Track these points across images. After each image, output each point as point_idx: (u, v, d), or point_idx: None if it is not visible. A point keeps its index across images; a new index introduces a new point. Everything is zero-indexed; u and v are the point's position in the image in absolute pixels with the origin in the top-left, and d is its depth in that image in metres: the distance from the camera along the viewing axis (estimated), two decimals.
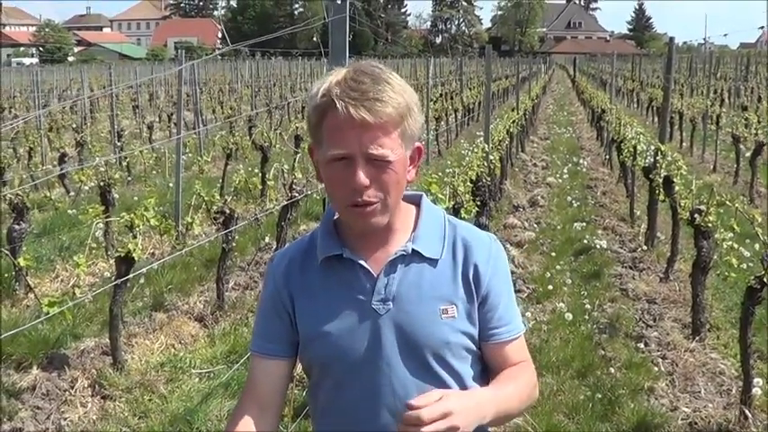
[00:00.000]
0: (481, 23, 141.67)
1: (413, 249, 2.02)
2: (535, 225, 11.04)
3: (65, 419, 5.41)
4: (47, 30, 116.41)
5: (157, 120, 23.71)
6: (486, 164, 8.58)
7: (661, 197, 8.34)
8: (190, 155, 16.33)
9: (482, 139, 9.49)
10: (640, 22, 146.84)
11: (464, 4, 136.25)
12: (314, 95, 1.93)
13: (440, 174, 8.20)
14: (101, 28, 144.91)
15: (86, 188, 12.03)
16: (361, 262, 2.01)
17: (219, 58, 49.82)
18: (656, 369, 6.11)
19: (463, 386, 2.02)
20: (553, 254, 9.31)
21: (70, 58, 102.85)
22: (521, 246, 9.75)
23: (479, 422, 1.87)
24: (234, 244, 7.52)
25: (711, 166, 16.05)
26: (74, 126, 19.40)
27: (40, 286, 7.86)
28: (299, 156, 8.31)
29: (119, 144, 16.18)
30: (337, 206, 2.00)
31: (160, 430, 5.28)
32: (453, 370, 2.02)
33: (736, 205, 5.91)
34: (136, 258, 5.86)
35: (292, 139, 15.00)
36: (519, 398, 2.06)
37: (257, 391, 2.10)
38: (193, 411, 5.41)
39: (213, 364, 6.31)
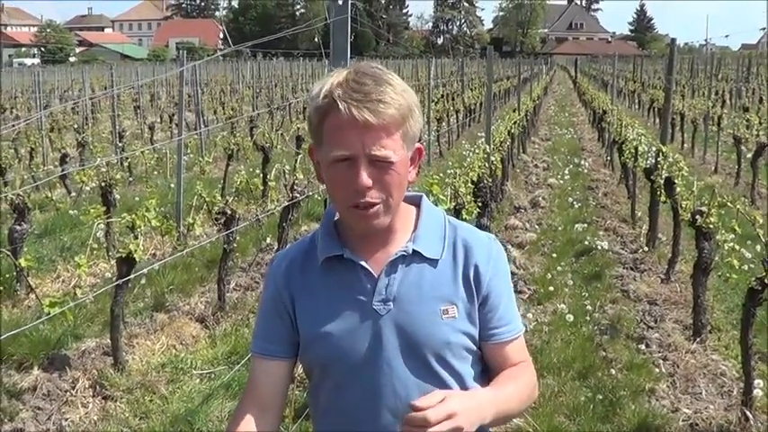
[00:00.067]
0: (483, 24, 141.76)
1: (413, 250, 2.02)
2: (536, 226, 11.04)
3: (66, 420, 5.41)
4: (48, 30, 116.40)
5: (159, 120, 23.72)
6: (487, 165, 8.58)
7: (662, 198, 8.34)
8: (191, 155, 16.33)
9: (483, 139, 9.49)
10: (642, 23, 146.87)
11: (466, 4, 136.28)
12: (315, 96, 1.93)
13: (441, 175, 8.21)
14: (102, 28, 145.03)
15: (88, 189, 12.05)
16: (362, 263, 2.02)
17: (221, 58, 49.84)
18: (657, 370, 6.10)
19: (464, 386, 2.03)
20: (554, 255, 9.30)
21: (72, 59, 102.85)
22: (522, 247, 9.74)
23: (480, 422, 1.87)
24: (235, 245, 7.52)
25: (713, 168, 16.04)
26: (75, 126, 19.41)
27: (41, 287, 7.87)
28: (300, 156, 8.30)
29: (120, 145, 16.18)
30: (339, 207, 2.01)
31: (161, 431, 5.29)
32: (454, 370, 2.02)
33: (738, 206, 5.91)
34: (137, 259, 5.86)
35: (294, 140, 15.00)
36: (519, 398, 2.06)
37: (258, 392, 2.11)
38: (194, 412, 5.41)
39: (214, 365, 6.31)
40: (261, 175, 11.54)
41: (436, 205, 2.28)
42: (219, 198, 7.81)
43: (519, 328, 2.12)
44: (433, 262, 2.03)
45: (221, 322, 7.20)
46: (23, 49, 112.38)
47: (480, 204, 7.32)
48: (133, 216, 6.21)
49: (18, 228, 7.73)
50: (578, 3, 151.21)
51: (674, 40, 9.60)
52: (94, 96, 26.92)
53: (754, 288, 5.00)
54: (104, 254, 8.83)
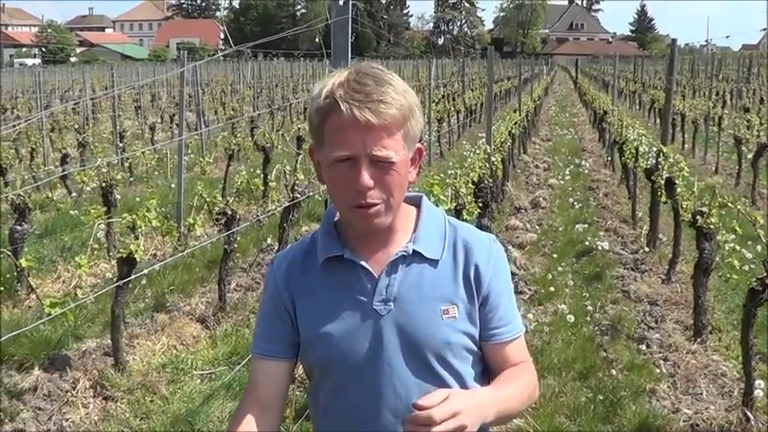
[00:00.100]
0: (483, 25, 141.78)
1: (414, 250, 2.02)
2: (537, 227, 11.04)
3: (66, 420, 5.41)
4: (49, 30, 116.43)
5: (159, 121, 23.72)
6: (487, 165, 8.57)
7: (663, 199, 8.34)
8: (192, 156, 16.33)
9: (484, 140, 9.48)
10: (642, 24, 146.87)
11: (466, 5, 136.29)
12: (316, 97, 1.93)
13: (442, 175, 8.20)
14: (103, 29, 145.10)
15: (88, 189, 12.04)
16: (363, 263, 2.02)
17: (222, 59, 49.84)
18: (657, 371, 6.10)
19: (464, 386, 2.03)
20: (555, 255, 9.30)
21: (72, 59, 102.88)
22: (522, 247, 9.74)
23: (482, 421, 1.88)
24: (236, 245, 7.52)
25: (713, 168, 16.04)
26: (76, 127, 19.40)
27: (41, 287, 7.87)
28: (300, 157, 8.29)
29: (121, 145, 16.19)
30: (340, 207, 2.01)
31: (161, 431, 5.29)
32: (454, 370, 2.02)
33: (738, 207, 5.90)
34: (138, 259, 5.86)
35: (294, 141, 15.00)
36: (519, 398, 2.07)
37: (259, 393, 2.11)
38: (195, 412, 5.42)
39: (215, 366, 6.31)
40: (261, 175, 11.55)
41: (437, 206, 2.28)
42: (220, 198, 7.81)
43: (519, 329, 2.12)
44: (434, 262, 2.04)
45: (222, 323, 7.20)
46: (24, 49, 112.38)
47: (481, 205, 7.32)
48: (134, 216, 6.21)
49: (19, 228, 7.73)
50: (579, 3, 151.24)
51: (674, 40, 9.60)
52: (95, 97, 26.93)
53: (755, 288, 4.99)
54: (105, 254, 8.84)
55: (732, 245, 5.93)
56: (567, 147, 20.11)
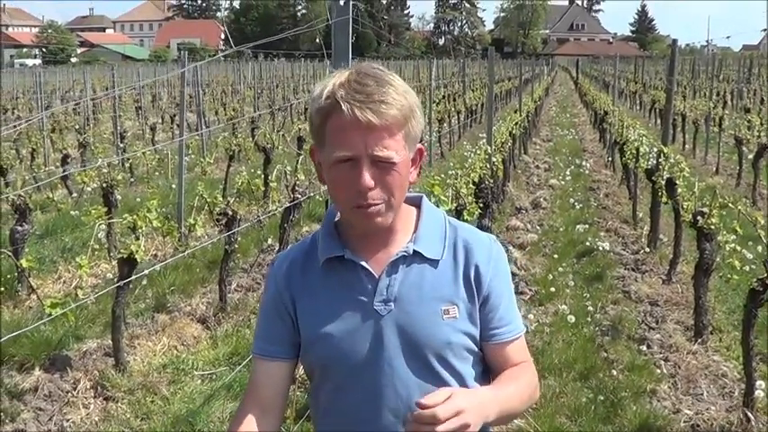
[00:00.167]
0: (484, 25, 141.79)
1: (414, 250, 2.03)
2: (538, 227, 11.04)
3: (67, 421, 5.42)
4: (50, 31, 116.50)
5: (160, 121, 23.72)
6: (488, 166, 8.57)
7: (664, 199, 8.34)
8: (192, 156, 16.33)
9: (485, 140, 9.48)
10: (643, 24, 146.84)
11: (467, 5, 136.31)
12: (317, 97, 1.93)
13: (442, 176, 8.20)
14: (104, 29, 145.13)
15: (89, 189, 12.04)
16: (363, 263, 2.02)
17: (222, 59, 49.87)
18: (658, 371, 6.10)
19: (465, 386, 2.03)
20: (555, 256, 9.30)
21: (73, 60, 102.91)
22: (523, 248, 9.74)
23: (484, 420, 1.87)
24: (236, 245, 7.52)
25: (714, 169, 16.04)
26: (76, 127, 19.42)
27: (42, 287, 7.87)
28: (301, 157, 8.30)
29: (121, 145, 16.19)
30: (341, 208, 2.01)
31: None
32: (455, 370, 2.02)
33: (739, 207, 5.90)
34: (138, 260, 5.86)
35: (295, 141, 15.00)
36: (520, 398, 2.07)
37: (259, 394, 2.11)
38: (195, 413, 5.42)
39: (215, 366, 6.31)
40: (262, 175, 11.55)
41: (438, 206, 2.28)
42: (221, 199, 7.82)
43: (520, 329, 2.12)
44: (434, 262, 2.04)
45: (222, 323, 7.20)
46: (25, 49, 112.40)
47: (481, 205, 7.32)
48: (134, 217, 6.21)
49: (19, 228, 7.73)
50: (579, 4, 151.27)
51: (675, 41, 9.60)
52: (96, 97, 26.94)
53: (756, 289, 4.99)
54: (106, 255, 8.84)
55: (733, 245, 5.92)
56: (568, 147, 20.10)
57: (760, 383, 5.27)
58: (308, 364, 2.11)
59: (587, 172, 15.85)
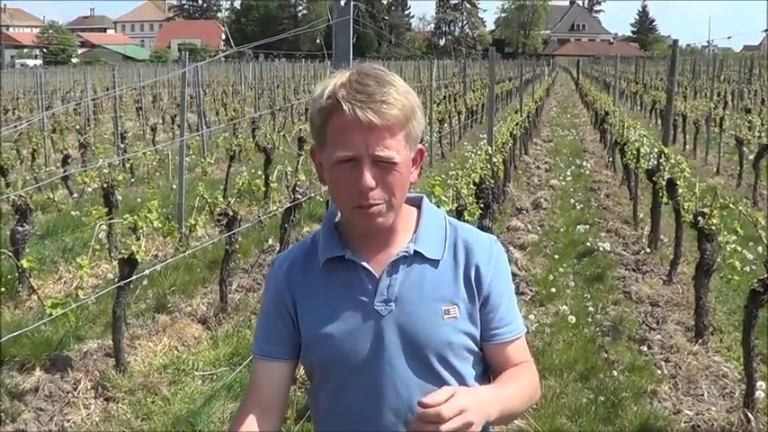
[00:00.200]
0: (485, 26, 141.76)
1: (414, 250, 2.03)
2: (538, 227, 11.04)
3: (67, 421, 5.42)
4: (50, 31, 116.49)
5: (161, 121, 23.73)
6: (489, 166, 8.57)
7: (664, 200, 8.33)
8: (193, 157, 16.33)
9: (485, 141, 9.48)
10: (644, 25, 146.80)
11: (468, 6, 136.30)
12: (318, 98, 1.93)
13: (443, 176, 8.19)
14: (104, 29, 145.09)
15: (90, 190, 12.03)
16: (364, 263, 2.02)
17: (223, 59, 49.87)
18: (659, 372, 6.10)
19: (465, 386, 2.02)
20: (556, 256, 9.30)
21: (74, 60, 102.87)
22: (524, 248, 9.74)
23: (486, 419, 1.87)
24: (237, 246, 7.52)
25: (715, 169, 16.04)
26: (77, 128, 19.42)
27: (43, 288, 7.88)
28: (302, 158, 8.30)
29: (122, 146, 16.19)
30: (342, 208, 2.01)
31: None
32: (455, 370, 2.02)
33: (740, 208, 5.90)
34: (139, 260, 5.86)
35: (295, 141, 15.01)
36: (521, 398, 2.07)
37: (260, 394, 2.11)
38: (196, 413, 5.42)
39: (216, 367, 6.31)
40: (263, 176, 11.54)
41: (438, 207, 2.29)
42: (221, 199, 7.81)
43: (520, 329, 2.12)
44: (434, 263, 2.04)
45: (223, 323, 7.20)
46: (25, 50, 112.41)
47: (482, 206, 7.32)
48: (135, 217, 6.21)
49: (20, 229, 7.73)
50: (580, 4, 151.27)
51: (676, 41, 9.60)
52: (96, 97, 26.96)
53: (756, 290, 5.00)
54: (106, 255, 8.84)
55: (733, 246, 5.92)
56: (569, 148, 20.10)
57: (760, 384, 5.27)
58: (309, 364, 2.11)
59: (588, 172, 15.85)
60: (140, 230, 6.15)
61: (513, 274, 7.82)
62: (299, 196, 7.85)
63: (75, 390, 5.77)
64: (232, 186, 11.60)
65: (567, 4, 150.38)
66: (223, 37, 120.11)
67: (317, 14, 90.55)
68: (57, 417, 5.44)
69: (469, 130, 23.73)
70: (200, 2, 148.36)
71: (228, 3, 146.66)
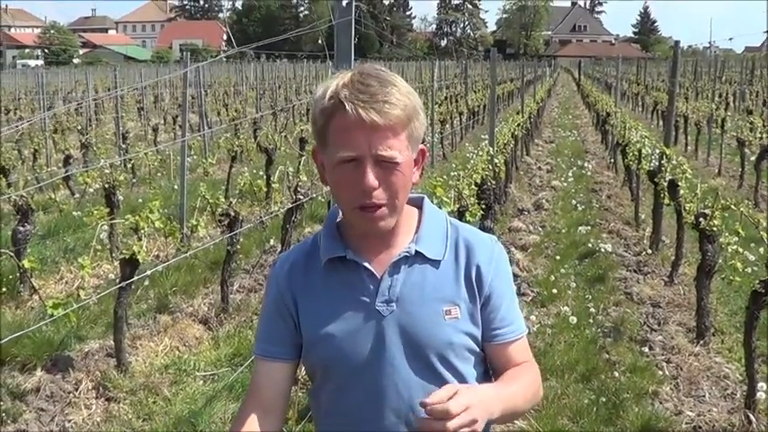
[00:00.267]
0: (486, 26, 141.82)
1: (416, 251, 2.03)
2: (540, 228, 11.04)
3: (69, 421, 5.42)
4: (52, 32, 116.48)
5: (162, 122, 23.73)
6: (490, 167, 8.58)
7: (666, 201, 8.34)
8: (195, 157, 16.33)
9: (487, 142, 9.49)
10: (645, 26, 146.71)
11: (469, 7, 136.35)
12: (320, 98, 1.93)
13: (445, 177, 8.19)
14: (106, 30, 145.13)
15: (91, 190, 12.03)
16: (365, 263, 2.02)
17: (224, 60, 49.89)
18: (660, 373, 6.10)
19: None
20: (558, 257, 9.30)
21: (75, 60, 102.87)
22: (525, 249, 9.74)
23: (489, 417, 1.87)
24: (238, 246, 7.53)
25: (716, 170, 16.03)
26: (79, 128, 19.44)
27: (44, 288, 7.88)
28: (303, 158, 8.30)
29: (123, 146, 16.19)
30: (344, 208, 2.01)
31: None
32: (457, 371, 2.02)
33: (741, 209, 5.90)
34: (140, 260, 5.86)
35: (297, 142, 15.00)
36: (524, 396, 2.06)
37: (261, 394, 2.10)
38: (197, 414, 5.42)
39: (217, 367, 6.31)
40: (264, 176, 11.53)
41: (440, 207, 2.29)
42: (223, 200, 7.81)
43: (522, 329, 2.12)
44: (436, 263, 2.04)
45: (224, 324, 7.20)
46: (27, 50, 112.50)
47: (484, 206, 7.32)
48: (136, 217, 6.21)
49: (21, 229, 7.74)
50: (582, 5, 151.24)
51: (677, 42, 9.61)
52: (98, 98, 26.98)
53: (758, 291, 4.99)
54: (108, 255, 8.83)
55: (735, 247, 5.92)
56: (570, 149, 20.10)
57: (762, 385, 5.26)
58: (310, 364, 2.11)
59: (589, 173, 15.84)
60: (142, 231, 6.15)
61: (515, 275, 7.82)
62: (301, 197, 7.85)
63: (77, 390, 5.77)
64: (233, 187, 11.59)
65: (569, 4, 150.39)
66: (225, 37, 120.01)
67: (318, 15, 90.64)
68: (58, 417, 5.44)
69: (471, 131, 23.73)
70: (201, 2, 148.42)
71: (230, 3, 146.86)
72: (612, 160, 16.64)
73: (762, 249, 5.64)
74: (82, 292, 5.39)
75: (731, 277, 6.02)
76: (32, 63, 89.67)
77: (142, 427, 5.39)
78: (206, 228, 7.67)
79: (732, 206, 6.17)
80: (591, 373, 6.10)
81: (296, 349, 2.11)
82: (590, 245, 9.71)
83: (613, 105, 18.53)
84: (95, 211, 6.81)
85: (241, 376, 5.84)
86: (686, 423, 5.31)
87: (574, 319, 7.05)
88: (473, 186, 7.34)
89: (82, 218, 9.49)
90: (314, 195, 8.54)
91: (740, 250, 5.94)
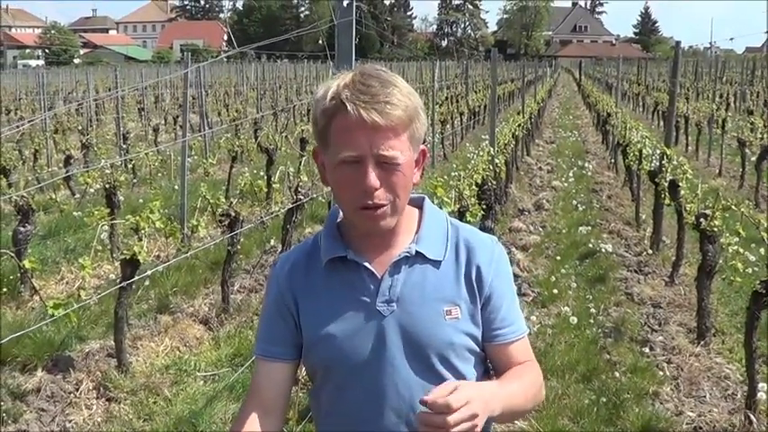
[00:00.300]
0: (487, 27, 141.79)
1: (416, 251, 2.03)
2: (540, 229, 11.04)
3: (69, 422, 5.42)
4: (53, 32, 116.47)
5: (163, 122, 23.71)
6: (491, 167, 8.58)
7: (666, 201, 8.34)
8: (195, 157, 16.33)
9: (487, 142, 9.48)
10: (646, 26, 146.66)
11: (470, 7, 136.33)
12: (321, 99, 1.93)
13: (445, 177, 8.20)
14: (107, 30, 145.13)
15: (92, 190, 12.01)
16: (366, 264, 2.02)
17: (225, 60, 49.90)
18: (660, 373, 6.10)
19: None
20: (558, 257, 9.30)
21: (76, 61, 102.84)
22: (526, 249, 9.74)
23: (490, 413, 1.87)
24: (239, 247, 7.53)
25: (717, 171, 16.03)
26: (79, 128, 19.44)
27: (45, 288, 7.88)
28: (304, 159, 8.31)
29: (124, 146, 16.20)
30: (345, 208, 2.01)
31: None
32: (457, 371, 2.02)
33: (742, 210, 5.90)
34: (141, 261, 5.86)
35: (298, 142, 15.00)
36: (525, 395, 2.06)
37: (261, 395, 2.10)
38: (198, 414, 5.42)
39: (218, 367, 6.31)
40: (265, 177, 11.53)
41: (440, 208, 2.29)
42: (223, 200, 7.82)
43: (522, 330, 2.12)
44: (436, 263, 2.04)
45: (225, 324, 7.20)
46: (28, 50, 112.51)
47: (484, 207, 7.32)
48: (137, 218, 6.21)
49: (22, 229, 7.74)
50: (582, 5, 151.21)
51: (678, 43, 9.60)
52: (99, 98, 26.97)
53: (759, 291, 4.99)
54: (108, 256, 8.84)
55: (735, 247, 5.92)
56: (571, 149, 20.09)
57: (762, 386, 5.26)
58: (311, 364, 2.11)
59: (590, 174, 15.84)
60: (142, 231, 6.16)
61: (515, 276, 7.82)
62: (302, 197, 7.85)
63: (77, 390, 5.77)
64: (234, 187, 11.59)
65: (570, 5, 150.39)
66: (225, 38, 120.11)
67: (319, 15, 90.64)
68: (58, 417, 5.44)
69: (472, 132, 23.73)
70: (202, 2, 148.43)
71: (231, 3, 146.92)
72: (613, 160, 16.64)
73: (762, 250, 5.65)
74: (82, 292, 5.39)
75: (732, 278, 6.02)
76: (33, 63, 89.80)
77: (143, 428, 5.39)
78: (206, 228, 7.67)
79: (733, 206, 6.17)
80: (591, 373, 6.10)
81: (296, 349, 2.11)
82: (590, 245, 9.71)
83: (614, 106, 18.53)
84: (96, 212, 6.82)
85: (242, 377, 5.84)
86: (687, 423, 5.31)
87: (574, 320, 7.05)
88: (474, 187, 7.34)
89: (82, 218, 9.50)
90: (314, 196, 8.54)
91: (741, 251, 5.94)
